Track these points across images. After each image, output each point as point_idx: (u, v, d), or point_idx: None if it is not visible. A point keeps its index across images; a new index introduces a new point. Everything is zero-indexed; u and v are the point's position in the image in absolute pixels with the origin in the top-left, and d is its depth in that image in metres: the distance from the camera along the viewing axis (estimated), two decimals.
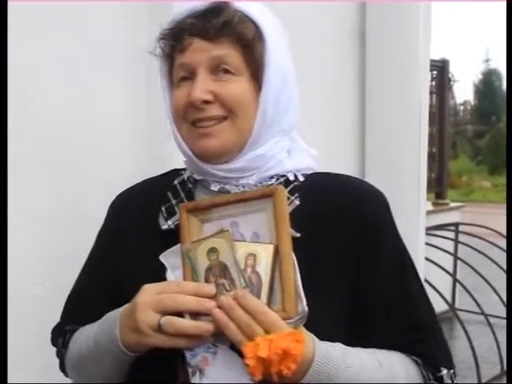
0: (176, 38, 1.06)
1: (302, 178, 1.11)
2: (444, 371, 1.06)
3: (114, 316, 1.02)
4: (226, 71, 1.04)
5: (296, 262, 0.95)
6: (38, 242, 1.65)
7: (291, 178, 1.10)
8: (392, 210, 1.11)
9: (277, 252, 0.94)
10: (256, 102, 1.05)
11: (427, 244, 3.46)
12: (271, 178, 1.09)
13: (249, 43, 1.04)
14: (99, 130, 1.75)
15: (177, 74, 1.08)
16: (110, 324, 1.02)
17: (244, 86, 1.05)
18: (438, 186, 6.72)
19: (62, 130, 1.68)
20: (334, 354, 0.95)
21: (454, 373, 1.07)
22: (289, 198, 1.04)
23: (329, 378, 0.94)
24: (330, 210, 1.07)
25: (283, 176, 1.10)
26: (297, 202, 1.06)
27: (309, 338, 0.93)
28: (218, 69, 1.04)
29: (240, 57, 1.04)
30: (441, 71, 6.50)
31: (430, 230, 5.12)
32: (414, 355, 1.06)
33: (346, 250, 1.05)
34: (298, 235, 1.00)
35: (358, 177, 1.20)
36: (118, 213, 1.20)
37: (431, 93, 6.04)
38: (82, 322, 1.14)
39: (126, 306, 0.99)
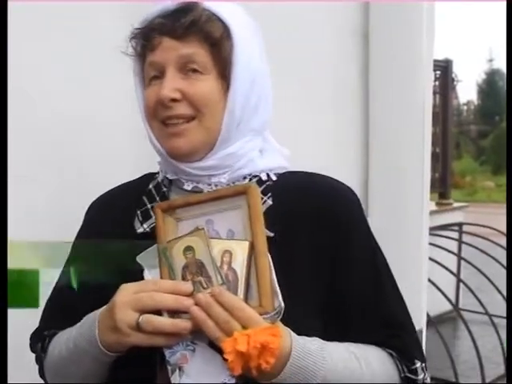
0: (146, 38, 1.08)
1: (274, 178, 1.11)
2: (418, 364, 1.08)
3: (93, 317, 1.02)
4: (195, 70, 1.04)
5: (271, 260, 0.95)
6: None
7: (264, 177, 1.10)
8: (395, 209, 1.11)
9: (252, 248, 0.95)
10: (224, 101, 1.06)
11: (431, 244, 3.45)
12: (244, 178, 1.10)
13: (216, 42, 1.05)
14: (99, 130, 1.74)
15: (148, 72, 1.09)
16: (89, 325, 1.02)
17: (211, 84, 1.05)
18: (442, 186, 6.72)
19: (62, 129, 1.67)
20: (312, 348, 0.96)
21: (425, 365, 1.10)
22: (262, 198, 1.04)
23: (307, 372, 0.94)
24: (306, 210, 1.07)
25: (256, 176, 1.10)
26: (270, 202, 1.06)
27: (285, 332, 0.94)
28: (187, 67, 1.04)
29: (208, 55, 1.05)
30: (444, 71, 6.50)
31: (434, 230, 5.12)
32: (389, 349, 1.07)
33: (321, 251, 1.06)
34: (272, 235, 1.00)
35: (359, 175, 1.20)
36: (96, 216, 1.21)
37: (434, 93, 6.04)
38: (61, 327, 1.14)
39: (105, 306, 0.99)
